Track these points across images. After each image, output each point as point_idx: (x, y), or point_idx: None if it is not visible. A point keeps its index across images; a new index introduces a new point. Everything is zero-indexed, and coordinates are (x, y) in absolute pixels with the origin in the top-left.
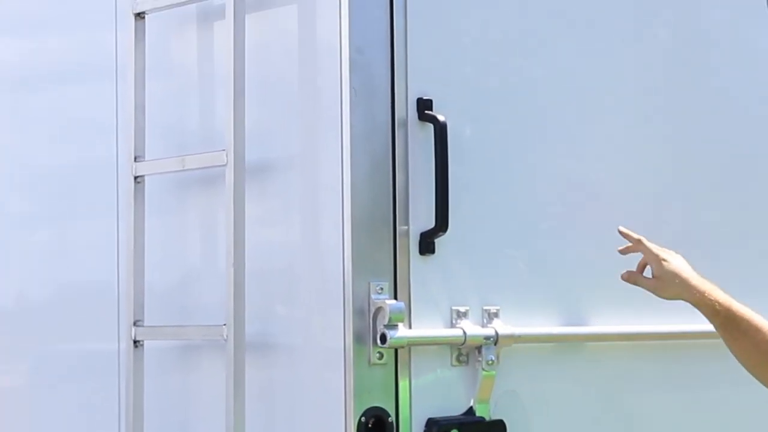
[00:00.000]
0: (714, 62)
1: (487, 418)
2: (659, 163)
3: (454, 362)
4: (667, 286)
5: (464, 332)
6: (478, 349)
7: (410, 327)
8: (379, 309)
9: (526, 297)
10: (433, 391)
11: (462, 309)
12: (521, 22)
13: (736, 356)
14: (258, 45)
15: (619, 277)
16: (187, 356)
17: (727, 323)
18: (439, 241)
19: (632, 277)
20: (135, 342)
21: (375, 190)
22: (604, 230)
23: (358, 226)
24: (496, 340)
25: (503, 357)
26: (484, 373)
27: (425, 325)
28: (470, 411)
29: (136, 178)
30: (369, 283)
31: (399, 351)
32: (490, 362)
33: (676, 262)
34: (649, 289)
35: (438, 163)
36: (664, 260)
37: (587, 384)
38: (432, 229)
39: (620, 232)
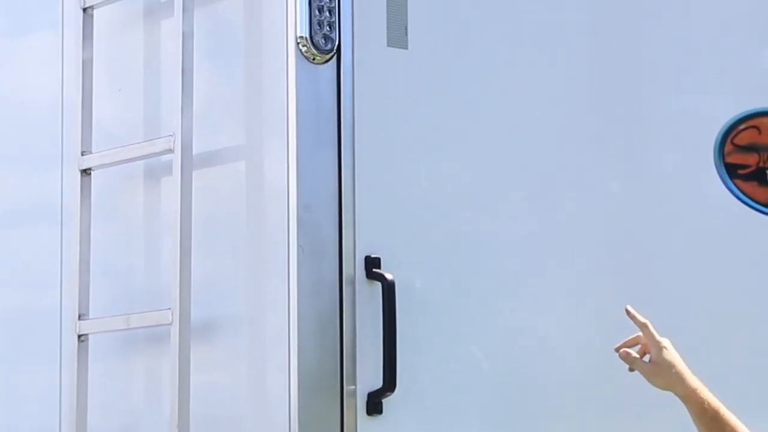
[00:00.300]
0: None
1: None
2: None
3: None
4: (663, 374)
5: None
6: None
7: None
8: None
9: None
10: None
11: None
12: (471, 174)
13: None
14: (205, 193)
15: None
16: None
17: (713, 424)
18: (388, 401)
19: (629, 358)
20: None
21: (322, 347)
22: (560, 387)
23: (305, 384)
24: None
25: None
26: None
27: None
28: None
29: (79, 336)
30: None
31: None
32: None
33: (674, 352)
34: (643, 373)
35: (386, 321)
36: (665, 348)
37: None
38: (380, 388)
39: (627, 312)
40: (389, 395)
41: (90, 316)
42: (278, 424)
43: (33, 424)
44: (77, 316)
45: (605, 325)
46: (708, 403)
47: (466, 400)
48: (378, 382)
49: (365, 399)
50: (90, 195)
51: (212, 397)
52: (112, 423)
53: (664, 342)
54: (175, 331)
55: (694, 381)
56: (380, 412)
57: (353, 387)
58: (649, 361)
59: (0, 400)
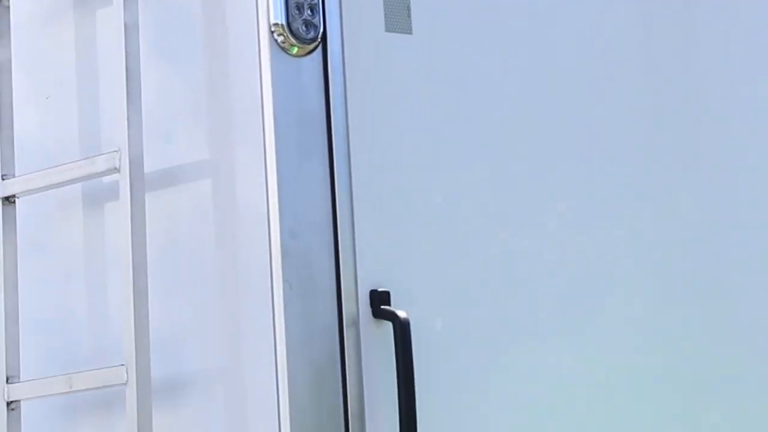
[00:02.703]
0: None
1: None
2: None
3: None
4: None
5: None
6: None
7: None
8: None
9: None
10: None
11: None
12: (495, 183)
13: None
14: (162, 220)
15: None
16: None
17: None
18: None
19: None
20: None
21: (320, 407)
22: None
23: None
24: None
25: None
26: None
27: None
28: None
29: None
30: None
31: None
32: None
33: None
34: None
35: (401, 369)
36: None
37: None
38: None
39: None
40: None
41: (21, 379)
42: None
43: None
44: (5, 379)
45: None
46: None
47: None
48: None
49: None
50: (15, 228)
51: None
52: None
53: None
54: (131, 392)
55: None
56: None
57: None
58: None
59: None
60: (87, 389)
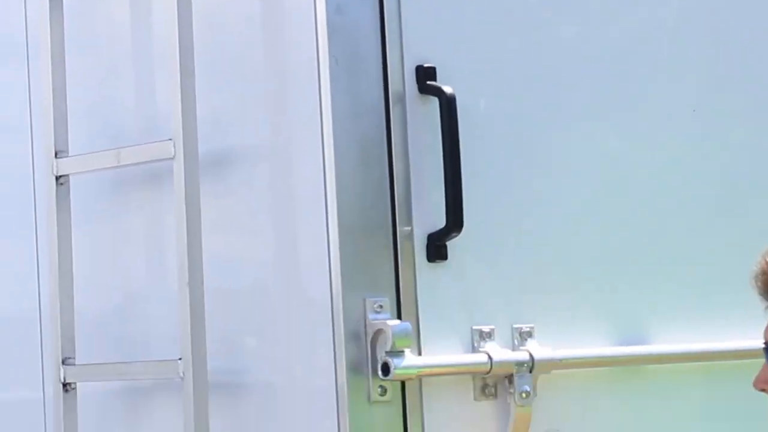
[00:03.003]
0: None
1: None
2: (708, 145)
3: (479, 396)
4: None
5: (490, 357)
6: (509, 378)
7: (420, 353)
8: (378, 332)
9: (568, 310)
10: None
11: (486, 329)
12: None
13: None
14: (209, 8)
15: (693, 298)
16: (132, 401)
17: None
18: (453, 244)
19: None
20: (64, 385)
21: (367, 183)
22: (664, 222)
23: (347, 231)
24: (531, 366)
25: (541, 387)
26: (517, 408)
27: (439, 351)
28: None
29: (57, 178)
30: (364, 300)
31: (406, 384)
32: (525, 394)
33: None
34: None
35: (447, 145)
36: None
37: (649, 418)
38: (442, 229)
39: None
40: (455, 236)
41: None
42: (314, 283)
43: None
44: (53, 154)
45: (706, 156)
46: None
47: (551, 241)
48: (440, 222)
49: (425, 243)
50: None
51: (228, 249)
52: (103, 304)
53: None
54: (179, 167)
55: None
56: (444, 257)
57: (409, 228)
58: None
59: None
60: (135, 163)
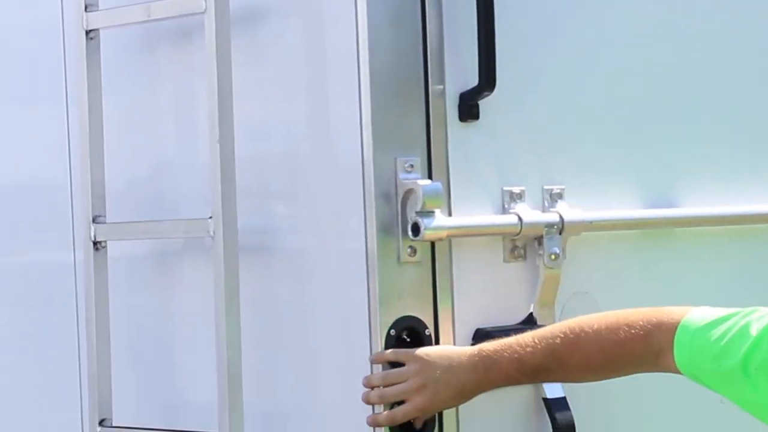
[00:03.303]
0: None
1: None
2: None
3: (508, 257)
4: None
5: (520, 219)
6: (538, 239)
7: (450, 214)
8: (409, 192)
9: (598, 172)
10: (481, 294)
11: (516, 189)
12: None
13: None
14: None
15: (725, 161)
16: (161, 262)
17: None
18: (485, 104)
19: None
20: (95, 243)
21: (400, 42)
22: (698, 83)
23: (378, 90)
24: (561, 227)
25: (571, 249)
26: (546, 270)
27: (469, 211)
28: (530, 319)
29: (88, 32)
30: (395, 160)
31: (436, 245)
32: (554, 256)
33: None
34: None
35: (481, 3)
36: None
37: (681, 282)
38: (475, 88)
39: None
40: (487, 95)
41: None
42: (344, 141)
43: (35, 169)
44: (84, 8)
45: None
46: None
47: (585, 100)
48: (473, 80)
49: (457, 101)
50: None
51: (257, 109)
52: (133, 164)
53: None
54: (209, 21)
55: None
56: (476, 116)
57: (441, 87)
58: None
59: None
60: (165, 18)
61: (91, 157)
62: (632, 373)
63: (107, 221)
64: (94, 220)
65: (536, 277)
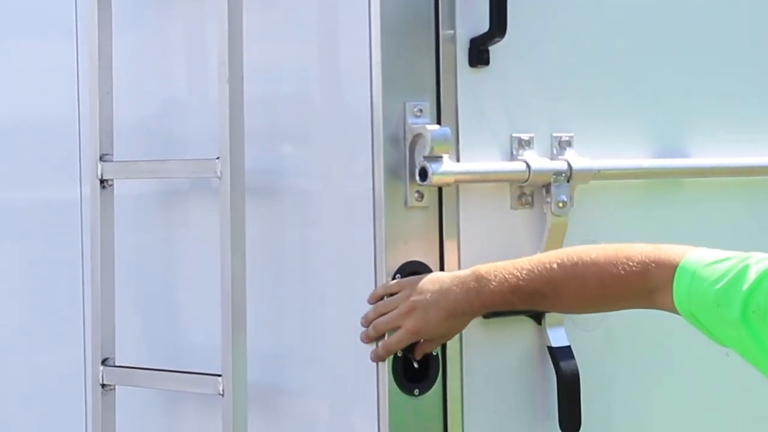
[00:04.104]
0: None
1: None
2: None
3: (515, 204)
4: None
5: (528, 165)
6: (546, 187)
7: (458, 159)
8: (417, 136)
9: (608, 119)
10: (487, 241)
11: (525, 136)
12: None
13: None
14: None
15: (737, 111)
16: (168, 202)
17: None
18: (495, 49)
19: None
20: (102, 181)
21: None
22: (710, 32)
23: (389, 31)
24: (569, 175)
25: (578, 197)
26: (553, 218)
27: (477, 157)
28: None
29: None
30: (404, 104)
31: (443, 190)
32: (562, 204)
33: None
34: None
35: None
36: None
37: (688, 230)
38: (485, 33)
39: None
40: (498, 41)
41: None
42: (354, 85)
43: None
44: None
45: None
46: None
47: (595, 47)
48: (484, 25)
49: (467, 46)
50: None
51: (266, 53)
52: (141, 106)
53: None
54: None
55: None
56: (486, 62)
57: (451, 31)
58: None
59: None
60: None
61: (100, 94)
62: (626, 308)
63: (114, 159)
64: (101, 158)
65: (543, 224)
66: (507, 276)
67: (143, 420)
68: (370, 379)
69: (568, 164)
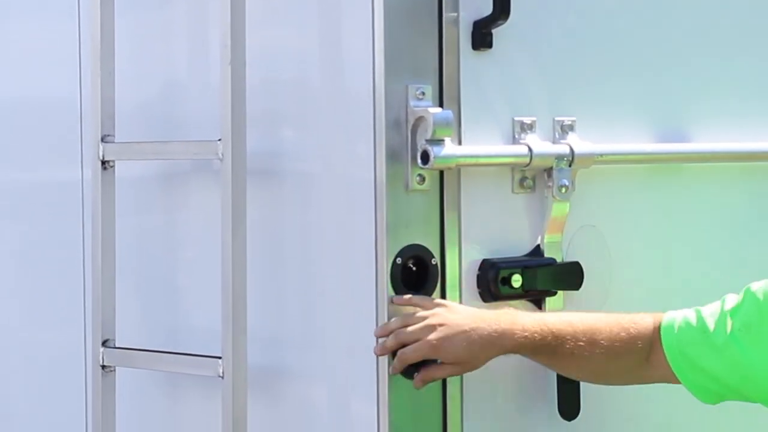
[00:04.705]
0: None
1: (559, 260)
2: None
3: (517, 188)
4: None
5: (530, 149)
6: (548, 171)
7: (460, 142)
8: (419, 119)
9: (611, 104)
10: (488, 225)
11: (527, 120)
12: None
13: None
14: None
15: (739, 96)
16: (169, 184)
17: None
18: (498, 32)
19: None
20: (103, 163)
21: None
22: (713, 17)
23: (391, 14)
24: (571, 160)
25: (580, 182)
26: (555, 202)
27: (479, 141)
28: (537, 251)
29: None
30: (407, 87)
31: (445, 173)
32: (563, 189)
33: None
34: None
35: None
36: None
37: (688, 215)
38: (489, 16)
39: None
40: (501, 24)
41: None
42: (356, 68)
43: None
44: None
45: None
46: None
47: (598, 31)
48: (487, 8)
49: (470, 29)
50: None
51: (269, 37)
52: (143, 88)
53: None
54: None
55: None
56: (489, 45)
57: (455, 14)
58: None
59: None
60: None
61: (102, 75)
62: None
63: (116, 141)
64: (102, 139)
65: (544, 209)
66: (534, 333)
67: (143, 401)
68: (369, 363)
69: (570, 148)
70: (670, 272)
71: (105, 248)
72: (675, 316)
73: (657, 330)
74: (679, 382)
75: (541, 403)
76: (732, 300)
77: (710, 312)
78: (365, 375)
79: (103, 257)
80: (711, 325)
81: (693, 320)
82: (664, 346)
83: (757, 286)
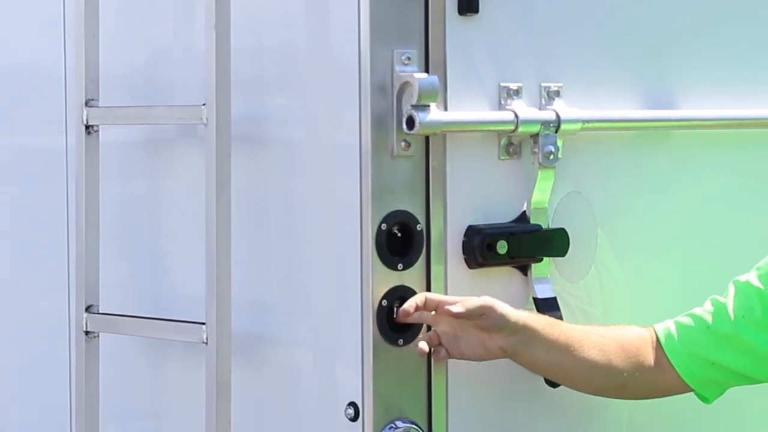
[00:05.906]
0: None
1: (545, 227)
2: None
3: (503, 155)
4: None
5: (516, 115)
6: (534, 137)
7: (446, 108)
8: (405, 85)
9: (597, 70)
10: (474, 191)
11: (513, 86)
12: None
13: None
14: None
15: (728, 61)
16: (154, 148)
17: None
18: None
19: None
20: (87, 127)
21: None
22: None
23: None
24: (557, 126)
25: (566, 148)
26: (541, 168)
27: (465, 106)
28: (523, 217)
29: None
30: (392, 52)
31: (431, 139)
32: (549, 155)
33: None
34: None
35: None
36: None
37: (676, 183)
38: None
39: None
40: None
41: None
42: (341, 32)
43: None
44: None
45: None
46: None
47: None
48: None
49: None
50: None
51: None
52: (127, 55)
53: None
54: None
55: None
56: (476, 10)
57: None
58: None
59: None
60: None
61: (86, 39)
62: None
63: (100, 105)
64: (86, 104)
65: (530, 175)
66: (539, 348)
67: (127, 367)
68: (354, 329)
69: (557, 114)
70: (658, 239)
71: (89, 214)
72: (667, 326)
73: (657, 345)
74: (684, 391)
75: (527, 370)
76: (721, 297)
77: (701, 311)
78: (350, 341)
79: (87, 223)
80: (709, 320)
81: (688, 322)
82: (668, 356)
83: (746, 277)
